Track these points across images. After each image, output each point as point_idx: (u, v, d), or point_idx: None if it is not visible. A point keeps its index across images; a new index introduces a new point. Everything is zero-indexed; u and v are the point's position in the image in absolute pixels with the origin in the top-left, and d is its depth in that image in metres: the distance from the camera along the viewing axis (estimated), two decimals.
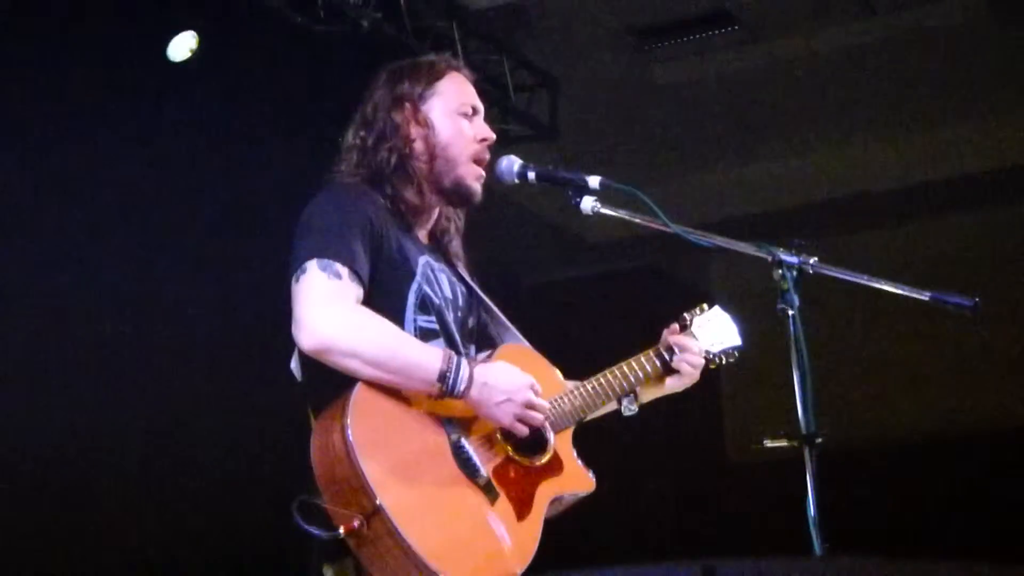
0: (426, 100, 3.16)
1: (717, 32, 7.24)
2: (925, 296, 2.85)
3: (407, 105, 3.14)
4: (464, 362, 2.89)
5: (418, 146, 3.13)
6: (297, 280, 2.87)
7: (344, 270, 2.87)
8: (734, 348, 3.39)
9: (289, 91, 6.27)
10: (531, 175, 3.16)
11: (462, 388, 2.86)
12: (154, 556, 6.06)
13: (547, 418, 3.01)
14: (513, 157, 3.19)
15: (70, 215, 5.82)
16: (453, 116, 3.17)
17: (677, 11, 7.11)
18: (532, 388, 2.95)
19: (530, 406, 2.93)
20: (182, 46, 5.84)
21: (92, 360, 5.94)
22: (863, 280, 2.90)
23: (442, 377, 2.84)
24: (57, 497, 5.80)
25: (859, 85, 7.58)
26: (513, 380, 2.94)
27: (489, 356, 3.15)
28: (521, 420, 2.92)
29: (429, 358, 2.86)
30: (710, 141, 8.10)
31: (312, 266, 2.86)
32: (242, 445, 6.23)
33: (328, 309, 2.82)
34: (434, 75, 3.20)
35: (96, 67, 5.61)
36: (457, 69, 3.26)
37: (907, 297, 2.86)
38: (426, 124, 3.14)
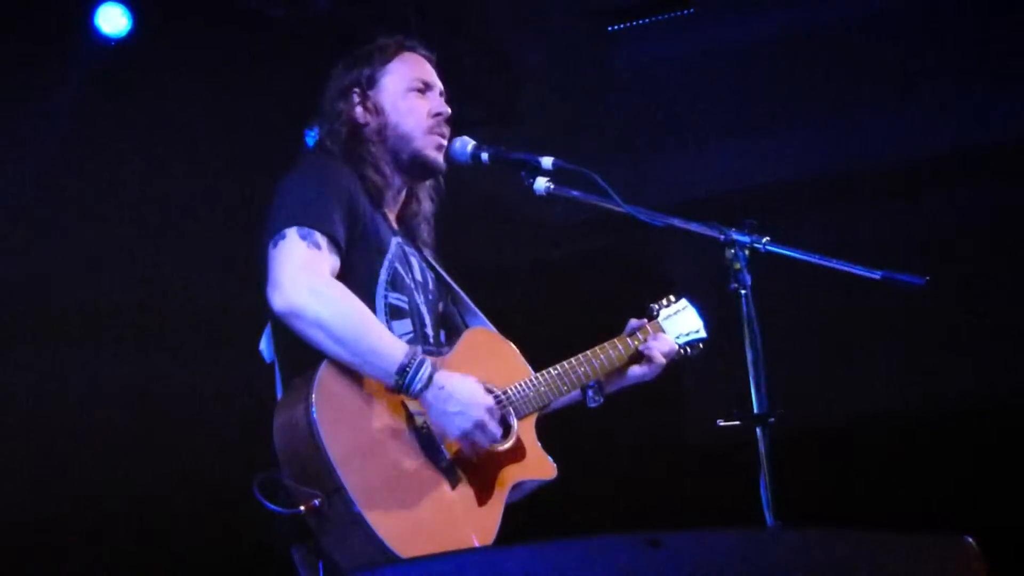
0: (376, 82, 3.22)
1: (675, 15, 7.24)
2: (876, 275, 2.87)
3: (355, 90, 3.19)
4: (428, 363, 2.87)
5: (369, 129, 3.17)
6: (275, 244, 2.87)
7: (323, 240, 2.88)
8: (699, 340, 3.42)
9: (242, 80, 6.09)
10: (484, 156, 3.18)
11: (418, 387, 2.85)
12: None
13: (494, 444, 2.98)
14: (466, 138, 3.22)
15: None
16: (404, 94, 3.21)
17: None
18: (490, 411, 2.93)
19: (482, 427, 2.91)
20: (115, 20, 5.31)
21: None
22: (815, 259, 2.91)
23: (401, 371, 2.83)
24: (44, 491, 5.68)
25: (815, 70, 7.59)
26: (473, 395, 2.91)
27: (455, 340, 3.16)
28: (469, 438, 2.89)
29: (393, 349, 2.85)
30: (668, 124, 8.09)
31: (292, 233, 2.87)
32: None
33: (305, 275, 2.83)
34: (385, 57, 3.25)
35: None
36: (411, 49, 3.31)
37: (858, 276, 2.87)
38: (375, 107, 3.17)
